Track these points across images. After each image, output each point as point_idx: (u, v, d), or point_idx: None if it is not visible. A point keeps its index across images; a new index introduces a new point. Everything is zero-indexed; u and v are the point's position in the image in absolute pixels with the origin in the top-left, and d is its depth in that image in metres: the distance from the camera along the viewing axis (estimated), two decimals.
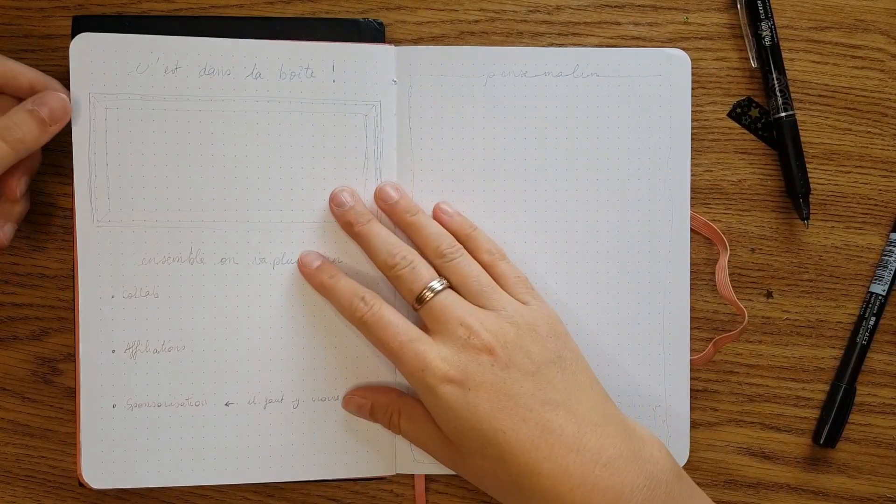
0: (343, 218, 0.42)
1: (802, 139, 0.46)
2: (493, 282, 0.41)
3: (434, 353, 0.38)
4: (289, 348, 0.44)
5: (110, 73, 0.42)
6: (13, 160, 0.39)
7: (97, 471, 0.43)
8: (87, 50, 0.42)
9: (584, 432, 0.37)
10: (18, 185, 0.41)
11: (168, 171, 0.43)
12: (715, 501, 0.47)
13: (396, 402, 0.42)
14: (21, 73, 0.41)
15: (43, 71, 0.44)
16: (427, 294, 0.40)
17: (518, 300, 0.41)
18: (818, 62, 0.47)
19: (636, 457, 0.36)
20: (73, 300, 0.44)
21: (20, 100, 0.41)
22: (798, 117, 0.46)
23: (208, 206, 0.43)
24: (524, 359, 0.38)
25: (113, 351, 0.43)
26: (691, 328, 0.45)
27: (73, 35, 0.42)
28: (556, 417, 0.37)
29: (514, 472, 0.37)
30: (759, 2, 0.45)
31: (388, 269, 0.41)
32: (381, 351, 0.40)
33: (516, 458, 0.36)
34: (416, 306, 0.40)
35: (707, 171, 0.47)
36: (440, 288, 0.40)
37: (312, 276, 0.42)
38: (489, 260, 0.42)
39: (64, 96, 0.41)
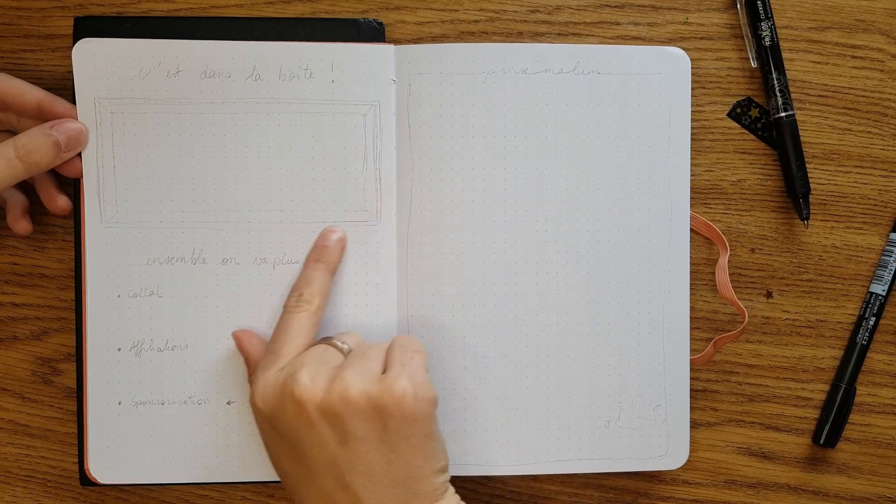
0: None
1: (802, 139, 0.46)
2: (380, 350, 0.39)
3: (262, 381, 0.38)
4: None
5: (113, 78, 0.42)
6: (23, 178, 0.41)
7: (103, 466, 0.43)
8: (89, 55, 0.42)
9: None
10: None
11: (172, 173, 0.43)
12: (715, 501, 0.47)
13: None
14: (28, 91, 0.41)
15: (43, 71, 0.45)
16: (329, 338, 0.40)
17: (386, 367, 0.38)
18: (818, 62, 0.47)
19: None
20: (75, 300, 0.44)
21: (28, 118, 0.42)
22: (798, 117, 0.46)
23: (210, 207, 0.43)
24: (332, 426, 0.36)
25: (119, 349, 0.43)
26: (691, 328, 0.45)
27: (75, 36, 0.42)
28: (343, 499, 0.36)
29: None
30: (759, 2, 0.45)
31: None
32: None
33: None
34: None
35: (707, 171, 0.47)
36: (337, 342, 0.39)
37: (312, 251, 0.43)
38: (402, 337, 0.41)
39: (81, 125, 0.42)
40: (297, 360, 0.38)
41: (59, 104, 0.42)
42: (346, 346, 0.39)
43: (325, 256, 0.42)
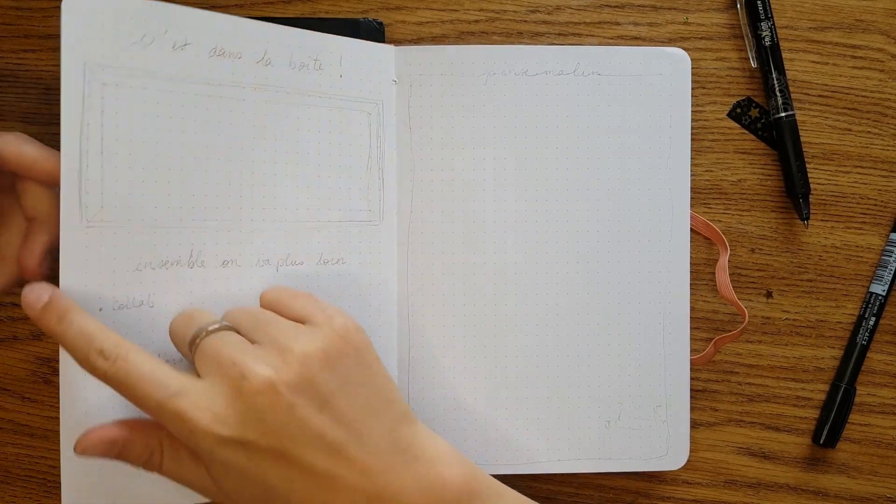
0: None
1: (802, 139, 0.46)
2: (270, 312, 0.36)
3: (201, 411, 0.32)
4: None
5: (109, 40, 0.36)
6: None
7: (79, 496, 0.37)
8: (83, 11, 0.35)
9: (370, 473, 0.33)
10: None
11: (169, 164, 0.38)
12: (715, 501, 0.47)
13: (157, 437, 0.34)
14: (40, 162, 0.36)
15: (43, 71, 0.45)
16: (200, 334, 0.34)
17: (301, 321, 0.36)
18: (818, 62, 0.47)
19: (420, 484, 0.34)
20: None
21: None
22: (798, 117, 0.46)
23: (211, 205, 0.39)
24: (308, 397, 0.33)
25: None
26: (691, 328, 0.45)
27: None
28: (338, 467, 0.33)
29: None
30: (759, 2, 0.45)
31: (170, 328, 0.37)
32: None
33: None
34: (190, 354, 0.35)
35: (707, 171, 0.47)
36: (215, 328, 0.35)
37: (39, 321, 0.34)
38: (267, 293, 0.38)
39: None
40: (214, 360, 0.33)
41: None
42: (222, 322, 0.35)
43: (66, 311, 0.34)
